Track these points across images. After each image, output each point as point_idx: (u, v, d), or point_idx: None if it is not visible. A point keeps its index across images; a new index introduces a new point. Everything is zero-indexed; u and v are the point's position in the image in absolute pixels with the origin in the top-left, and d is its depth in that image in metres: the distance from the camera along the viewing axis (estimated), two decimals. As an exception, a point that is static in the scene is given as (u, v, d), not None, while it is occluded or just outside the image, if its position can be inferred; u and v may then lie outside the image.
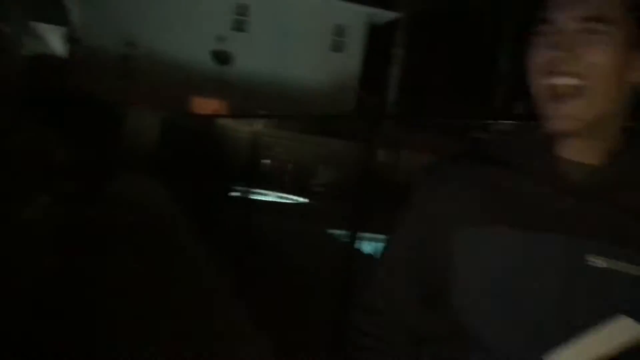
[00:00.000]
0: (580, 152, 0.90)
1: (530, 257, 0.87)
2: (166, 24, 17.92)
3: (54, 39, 13.63)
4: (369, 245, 3.09)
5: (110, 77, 16.74)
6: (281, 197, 5.25)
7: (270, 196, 5.44)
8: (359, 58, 20.66)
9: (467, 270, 0.90)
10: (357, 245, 3.01)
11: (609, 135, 0.89)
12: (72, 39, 15.56)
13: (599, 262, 0.85)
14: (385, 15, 20.64)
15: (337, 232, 3.70)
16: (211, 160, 7.98)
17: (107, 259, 5.78)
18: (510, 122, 1.98)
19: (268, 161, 5.77)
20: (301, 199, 4.85)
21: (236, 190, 6.13)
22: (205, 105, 16.90)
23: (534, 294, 0.86)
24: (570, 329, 0.83)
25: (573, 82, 0.84)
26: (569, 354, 0.73)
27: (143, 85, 17.21)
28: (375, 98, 18.95)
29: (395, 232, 1.02)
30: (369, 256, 3.20)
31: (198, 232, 7.71)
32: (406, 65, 19.00)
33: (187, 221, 8.58)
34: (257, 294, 4.82)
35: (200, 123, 9.62)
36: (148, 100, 16.73)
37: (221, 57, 18.48)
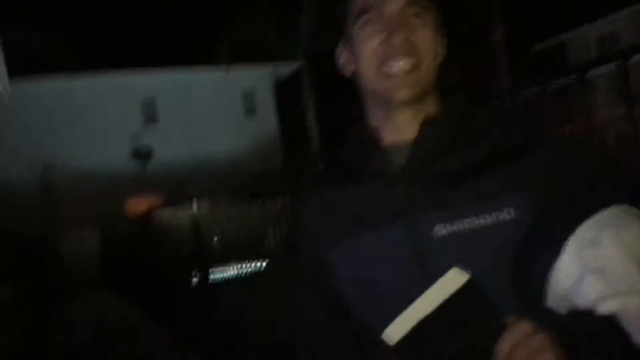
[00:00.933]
0: (404, 128, 0.97)
1: (386, 253, 0.92)
2: (80, 138, 17.77)
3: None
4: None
5: (38, 206, 16.35)
6: (241, 268, 5.24)
7: (231, 270, 5.42)
8: (273, 116, 21.05)
9: (348, 282, 0.97)
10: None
11: (427, 106, 0.98)
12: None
13: (444, 229, 0.89)
14: (288, 68, 21.21)
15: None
16: (161, 255, 7.89)
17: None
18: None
19: (215, 238, 5.78)
20: (260, 264, 4.87)
21: (195, 277, 6.07)
22: (138, 204, 16.67)
23: (402, 287, 0.89)
24: None
25: (410, 61, 0.93)
26: (403, 319, 0.75)
27: (73, 203, 16.87)
28: (299, 151, 19.30)
29: (295, 256, 1.09)
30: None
31: (170, 331, 7.55)
32: (320, 113, 19.47)
33: (156, 323, 8.38)
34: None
35: (138, 223, 9.52)
36: (82, 216, 16.38)
37: (142, 154, 18.42)
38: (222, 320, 5.32)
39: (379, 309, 0.90)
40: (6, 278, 3.23)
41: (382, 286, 0.93)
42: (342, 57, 1.03)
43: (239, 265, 5.18)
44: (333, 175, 1.05)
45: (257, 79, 20.79)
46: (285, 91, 21.47)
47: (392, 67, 0.93)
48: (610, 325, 0.76)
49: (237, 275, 5.16)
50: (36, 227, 10.02)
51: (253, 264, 4.96)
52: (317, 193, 1.05)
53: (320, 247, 1.00)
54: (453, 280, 0.76)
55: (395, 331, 0.76)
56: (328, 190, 1.03)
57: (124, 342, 7.82)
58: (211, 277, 5.48)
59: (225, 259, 5.38)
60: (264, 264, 4.82)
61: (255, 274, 4.86)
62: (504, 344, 0.73)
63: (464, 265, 0.81)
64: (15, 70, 13.95)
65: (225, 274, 5.39)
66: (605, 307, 0.77)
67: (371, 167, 0.98)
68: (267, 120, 20.86)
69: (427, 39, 0.95)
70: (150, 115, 19.48)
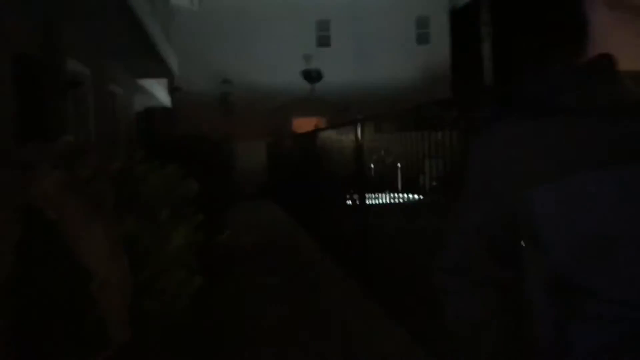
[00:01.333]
0: None
1: (622, 199, 0.78)
2: (255, 55, 18.65)
3: (159, 91, 14.71)
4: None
5: (214, 115, 17.69)
6: (394, 198, 5.30)
7: (384, 198, 5.52)
8: (446, 45, 20.32)
9: (562, 236, 0.82)
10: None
11: None
12: (174, 88, 16.67)
13: None
14: (465, -4, 20.17)
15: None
16: (320, 174, 8.24)
17: (246, 278, 6.16)
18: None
19: (376, 162, 5.87)
20: (415, 196, 4.89)
21: (350, 198, 6.28)
22: (304, 123, 17.37)
23: None
24: None
25: None
26: None
27: (245, 117, 18.01)
28: (470, 83, 18.55)
29: (466, 198, 0.99)
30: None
31: (322, 243, 7.97)
32: (496, 44, 18.37)
33: (310, 234, 8.89)
34: (394, 298, 4.91)
35: (304, 141, 9.96)
36: (252, 130, 17.49)
37: (312, 75, 18.91)
38: (371, 239, 5.49)
39: (611, 270, 0.78)
40: (191, 175, 3.67)
41: (615, 242, 0.77)
42: None
43: (393, 195, 5.25)
44: (532, 106, 0.88)
45: (433, 6, 20.06)
46: (461, 20, 20.50)
47: None
48: None
49: (391, 203, 5.25)
50: (212, 134, 11.05)
51: (407, 196, 4.98)
52: (506, 126, 0.89)
53: (507, 190, 0.88)
54: None
55: None
56: (523, 123, 0.87)
57: (281, 243, 8.44)
58: (367, 201, 5.62)
59: (382, 186, 5.47)
60: (419, 196, 4.81)
61: (409, 206, 4.90)
62: None
63: None
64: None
65: (380, 200, 5.49)
66: None
67: (600, 96, 0.82)
68: (440, 48, 20.20)
69: None
70: (323, 37, 19.78)
